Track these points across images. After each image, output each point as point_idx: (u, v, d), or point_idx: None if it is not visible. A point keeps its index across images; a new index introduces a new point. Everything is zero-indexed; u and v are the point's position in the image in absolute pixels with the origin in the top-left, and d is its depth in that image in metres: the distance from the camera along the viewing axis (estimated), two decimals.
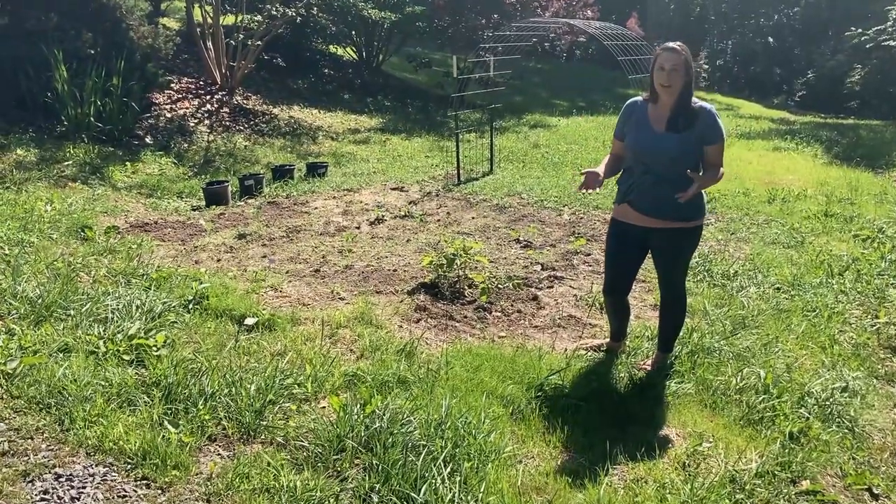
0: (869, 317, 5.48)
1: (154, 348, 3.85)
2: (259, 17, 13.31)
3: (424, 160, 11.68)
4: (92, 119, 9.80)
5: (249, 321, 4.47)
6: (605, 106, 19.75)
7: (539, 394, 3.76)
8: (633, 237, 4.16)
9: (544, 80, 25.24)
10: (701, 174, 3.84)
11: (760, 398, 3.89)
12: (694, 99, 3.83)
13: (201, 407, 3.30)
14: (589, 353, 4.48)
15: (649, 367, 4.24)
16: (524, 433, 3.46)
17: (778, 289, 5.95)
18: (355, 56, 19.10)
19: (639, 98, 4.07)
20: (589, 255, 6.67)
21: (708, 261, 6.42)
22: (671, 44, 3.83)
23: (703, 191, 3.93)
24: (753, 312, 5.31)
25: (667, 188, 3.87)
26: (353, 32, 18.55)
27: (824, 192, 9.80)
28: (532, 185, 9.56)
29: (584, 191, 3.93)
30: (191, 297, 4.74)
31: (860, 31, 27.03)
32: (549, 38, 18.37)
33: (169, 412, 3.27)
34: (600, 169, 4.05)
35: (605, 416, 3.68)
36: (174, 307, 4.57)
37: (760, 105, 29.84)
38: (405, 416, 3.33)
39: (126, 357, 3.73)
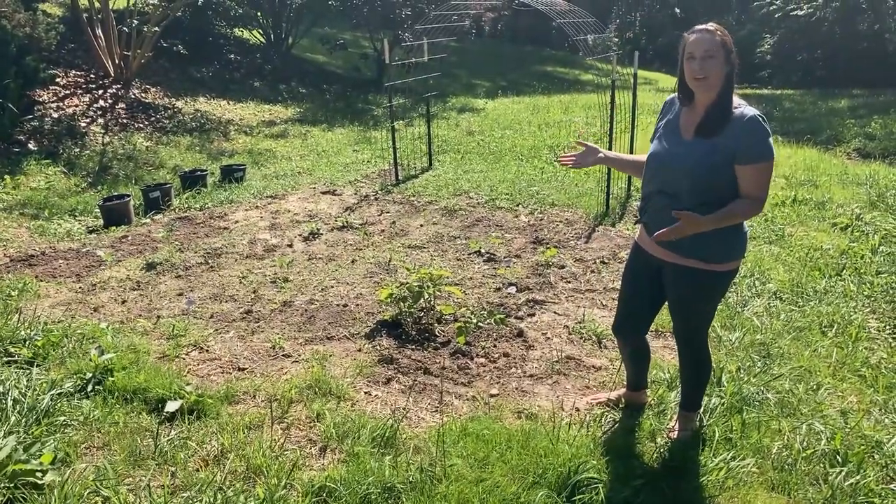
0: (888, 328, 4.85)
1: (39, 474, 2.74)
2: (154, 0, 11.83)
3: (353, 156, 10.57)
4: None
5: (171, 406, 3.38)
6: (530, 86, 19.01)
7: (573, 496, 2.85)
8: (650, 267, 3.28)
9: (460, 60, 24.29)
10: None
11: (839, 472, 3.09)
12: (737, 101, 2.91)
13: None
14: (604, 411, 3.61)
15: (677, 435, 3.38)
16: None
17: (781, 298, 5.25)
18: (263, 39, 17.67)
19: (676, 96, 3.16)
20: (563, 267, 5.80)
21: None
22: (702, 25, 2.93)
23: (741, 226, 3.03)
24: (770, 336, 4.56)
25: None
26: (259, 14, 17.12)
27: (782, 174, 9.25)
28: (478, 181, 8.63)
29: (561, 164, 3.35)
30: (90, 374, 3.61)
31: (768, 0, 27.23)
32: (470, 15, 17.39)
33: None
34: (610, 153, 3.44)
35: None
36: (67, 393, 3.44)
37: (675, 77, 29.76)
38: None
39: None
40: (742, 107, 2.88)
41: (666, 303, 3.42)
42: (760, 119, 2.82)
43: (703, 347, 3.31)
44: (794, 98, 18.50)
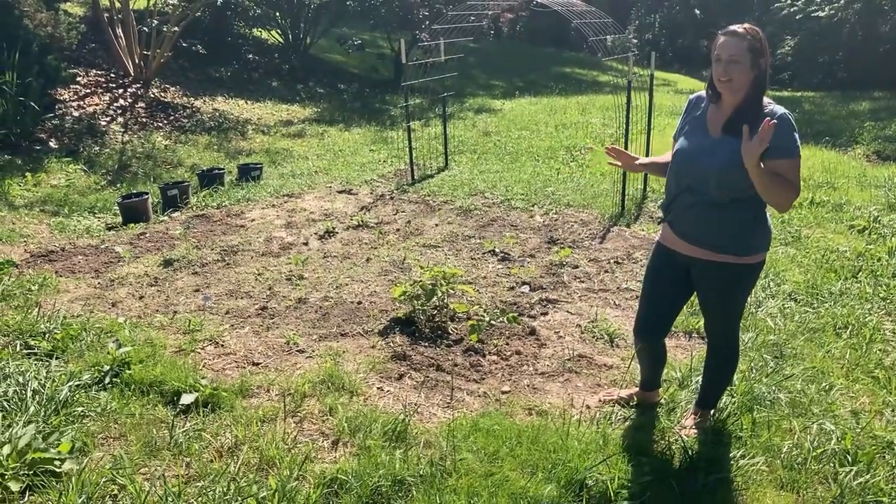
0: None
1: (57, 462, 2.80)
2: (174, 0, 11.95)
3: (370, 155, 10.62)
4: None
5: (186, 399, 3.44)
6: (548, 87, 18.99)
7: (582, 492, 2.87)
8: (676, 266, 3.29)
9: (478, 60, 24.29)
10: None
11: (848, 472, 3.09)
12: (767, 101, 2.93)
13: None
14: (615, 409, 3.63)
15: (689, 432, 3.40)
16: None
17: (796, 300, 5.23)
18: (281, 39, 17.78)
19: (703, 93, 3.18)
20: (577, 267, 5.81)
21: None
22: (734, 26, 2.94)
23: (766, 219, 3.07)
24: (784, 337, 4.55)
25: (711, 211, 3.01)
26: (278, 14, 17.23)
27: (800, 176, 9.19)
28: (494, 182, 8.65)
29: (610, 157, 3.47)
30: (107, 367, 3.67)
31: (789, 1, 26.99)
32: (488, 16, 17.40)
33: None
34: (645, 158, 3.45)
35: None
36: (85, 384, 3.50)
37: (694, 79, 29.54)
38: None
39: (14, 486, 2.67)
40: (771, 105, 2.91)
41: (685, 303, 3.46)
42: (790, 117, 2.87)
43: (732, 344, 3.36)
44: (814, 100, 18.34)
